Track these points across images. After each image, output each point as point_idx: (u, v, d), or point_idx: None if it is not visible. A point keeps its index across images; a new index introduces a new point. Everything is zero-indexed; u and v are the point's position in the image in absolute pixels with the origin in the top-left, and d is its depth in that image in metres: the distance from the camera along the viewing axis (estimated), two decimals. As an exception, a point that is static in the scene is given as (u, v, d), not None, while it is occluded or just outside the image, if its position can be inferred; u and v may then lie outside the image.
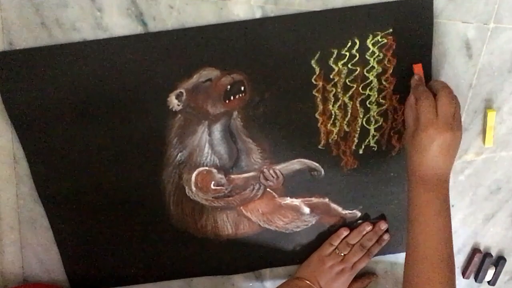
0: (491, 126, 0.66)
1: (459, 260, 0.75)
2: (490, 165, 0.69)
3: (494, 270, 0.75)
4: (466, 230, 0.73)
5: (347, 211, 0.69)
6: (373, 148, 0.65)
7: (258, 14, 0.58)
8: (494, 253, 0.75)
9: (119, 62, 0.58)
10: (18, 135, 0.61)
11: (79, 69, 0.58)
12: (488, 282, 0.76)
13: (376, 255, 0.71)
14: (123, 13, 0.56)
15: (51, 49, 0.57)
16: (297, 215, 0.69)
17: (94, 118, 0.60)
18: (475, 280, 0.76)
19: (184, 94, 0.60)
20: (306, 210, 0.68)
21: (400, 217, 0.70)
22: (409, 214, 0.56)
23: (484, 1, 0.59)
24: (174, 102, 0.60)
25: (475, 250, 0.74)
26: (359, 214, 0.70)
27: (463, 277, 0.76)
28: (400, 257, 0.74)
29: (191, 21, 0.57)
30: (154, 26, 0.57)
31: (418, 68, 0.60)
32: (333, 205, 0.69)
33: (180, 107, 0.61)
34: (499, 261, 0.75)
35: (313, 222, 0.69)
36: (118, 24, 0.57)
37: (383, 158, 0.66)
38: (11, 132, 0.61)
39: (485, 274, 0.75)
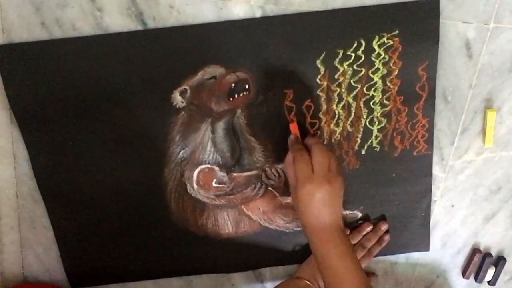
0: (491, 126, 0.66)
1: (459, 260, 0.76)
2: (490, 165, 0.69)
3: (494, 270, 0.75)
4: (466, 230, 0.73)
5: (347, 212, 0.69)
6: (376, 149, 0.65)
7: (258, 14, 0.58)
8: (494, 253, 0.75)
9: (123, 58, 0.58)
10: (20, 130, 0.60)
11: (84, 64, 0.58)
12: (488, 282, 0.76)
13: (377, 255, 0.71)
14: (123, 13, 0.56)
15: (55, 43, 0.57)
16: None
17: (97, 114, 0.60)
18: (475, 280, 0.76)
19: (188, 91, 0.60)
20: None
21: (401, 217, 0.70)
22: (318, 267, 0.57)
23: (484, 1, 0.59)
24: (178, 99, 0.60)
25: (475, 250, 0.75)
26: (359, 214, 0.70)
27: (463, 277, 0.76)
28: (400, 257, 0.74)
29: (191, 21, 0.57)
30: (154, 26, 0.57)
31: (293, 128, 0.61)
32: None
33: (184, 104, 0.61)
34: (499, 261, 0.75)
35: None
36: (118, 24, 0.57)
37: (385, 159, 0.66)
38: (11, 132, 0.61)
39: (485, 274, 0.75)
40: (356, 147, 0.65)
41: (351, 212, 0.69)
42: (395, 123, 0.64)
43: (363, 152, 0.66)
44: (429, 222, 0.71)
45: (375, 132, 0.64)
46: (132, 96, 0.60)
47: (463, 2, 0.59)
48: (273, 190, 0.67)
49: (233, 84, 0.60)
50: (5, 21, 0.56)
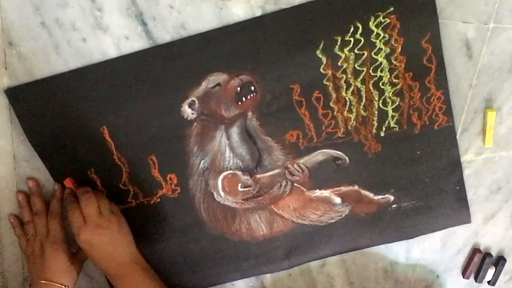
0: (491, 126, 0.66)
1: (459, 260, 0.76)
2: (490, 165, 0.69)
3: (494, 270, 0.75)
4: (466, 230, 0.73)
5: (379, 196, 0.68)
6: (395, 129, 0.64)
7: (258, 14, 0.57)
8: (494, 253, 0.75)
9: (130, 80, 0.58)
10: (44, 164, 0.62)
11: (93, 92, 0.59)
12: (488, 282, 0.76)
13: (418, 234, 0.71)
14: (123, 13, 0.56)
15: (63, 77, 0.58)
16: (329, 206, 0.68)
17: (115, 138, 0.61)
18: (475, 280, 0.76)
19: (196, 102, 0.60)
20: (337, 200, 0.68)
21: (435, 195, 0.69)
22: None
23: (484, 1, 0.59)
24: (188, 111, 0.60)
25: (475, 250, 0.74)
26: (392, 198, 0.69)
27: (463, 277, 0.76)
28: (400, 257, 0.75)
29: (191, 21, 0.57)
30: (154, 26, 0.57)
31: (67, 183, 0.62)
32: (364, 192, 0.68)
33: (195, 115, 0.61)
34: (499, 261, 0.75)
35: (347, 212, 0.69)
36: (118, 24, 0.57)
37: (407, 137, 0.65)
38: (11, 133, 0.61)
39: (485, 274, 0.75)
40: (374, 130, 0.64)
41: (382, 196, 0.68)
42: (409, 100, 0.63)
43: (382, 134, 0.64)
44: (465, 194, 0.69)
45: (390, 113, 0.63)
46: (145, 114, 0.60)
47: (463, 2, 0.59)
48: (299, 186, 0.67)
49: (239, 88, 0.60)
50: (5, 21, 0.56)
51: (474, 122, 0.66)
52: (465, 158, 0.68)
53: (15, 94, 0.58)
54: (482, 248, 0.75)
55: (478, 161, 0.69)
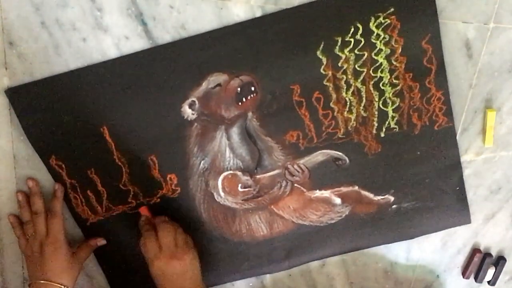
0: (491, 126, 0.66)
1: (459, 260, 0.76)
2: (490, 165, 0.69)
3: (494, 270, 0.75)
4: (466, 230, 0.73)
5: (379, 197, 0.68)
6: (395, 130, 0.64)
7: (258, 14, 0.57)
8: (494, 253, 0.75)
9: (130, 80, 0.58)
10: (45, 164, 0.62)
11: (93, 92, 0.59)
12: (488, 282, 0.76)
13: (417, 235, 0.71)
14: (123, 13, 0.56)
15: (64, 76, 0.58)
16: (329, 206, 0.68)
17: (115, 138, 0.61)
18: (475, 280, 0.76)
19: (197, 102, 0.60)
20: (337, 200, 0.68)
21: (435, 196, 0.69)
22: None
23: (484, 1, 0.59)
24: (188, 111, 0.60)
25: (475, 250, 0.74)
26: (392, 198, 0.69)
27: (463, 277, 0.76)
28: (400, 257, 0.75)
29: (191, 21, 0.57)
30: (154, 26, 0.57)
31: (143, 211, 0.64)
32: (364, 192, 0.68)
33: (195, 115, 0.61)
34: (499, 261, 0.75)
35: (347, 213, 0.69)
36: (118, 24, 0.57)
37: (407, 138, 0.65)
38: (11, 133, 0.61)
39: (485, 274, 0.75)
40: (374, 131, 0.64)
41: (382, 197, 0.68)
42: (409, 100, 0.63)
43: (382, 135, 0.65)
44: (465, 195, 0.70)
45: (390, 113, 0.63)
46: (145, 115, 0.60)
47: (463, 2, 0.59)
48: (299, 186, 0.67)
49: (239, 89, 0.60)
50: (5, 21, 0.56)
51: (474, 122, 0.66)
52: (465, 158, 0.68)
53: (15, 94, 0.58)
54: (482, 248, 0.75)
55: (478, 161, 0.69)
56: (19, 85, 0.58)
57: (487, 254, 0.74)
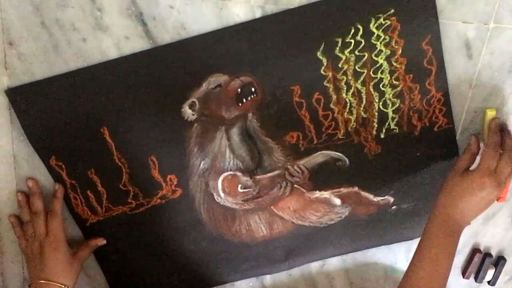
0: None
1: (459, 260, 0.76)
2: (490, 165, 0.69)
3: (494, 270, 0.75)
4: (466, 230, 0.73)
5: (379, 198, 0.69)
6: (395, 131, 0.64)
7: (258, 14, 0.57)
8: (494, 253, 0.75)
9: (130, 81, 0.58)
10: (45, 164, 0.62)
11: (93, 92, 0.59)
12: (488, 282, 0.76)
13: (410, 239, 0.72)
14: (123, 13, 0.56)
15: (64, 76, 0.58)
16: (329, 207, 0.68)
17: (115, 139, 0.61)
18: (475, 280, 0.76)
19: (197, 103, 0.60)
20: (337, 201, 0.68)
21: (434, 196, 0.67)
22: (420, 245, 0.59)
23: (484, 1, 0.59)
24: (188, 112, 0.60)
25: (475, 250, 0.75)
26: (392, 199, 0.69)
27: (463, 277, 0.76)
28: (400, 257, 0.74)
29: (191, 21, 0.57)
30: (154, 26, 0.57)
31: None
32: (364, 193, 0.68)
33: (195, 116, 0.61)
34: (499, 261, 0.75)
35: (347, 214, 0.69)
36: (118, 24, 0.57)
37: (407, 139, 0.65)
38: (11, 133, 0.61)
39: (485, 274, 0.75)
40: (374, 132, 0.64)
41: (382, 198, 0.69)
42: (409, 102, 0.63)
43: (382, 136, 0.65)
44: None
45: (390, 114, 0.63)
46: (145, 116, 0.60)
47: (463, 2, 0.59)
48: (299, 187, 0.67)
49: (239, 89, 0.60)
50: (5, 21, 0.56)
51: (474, 122, 0.66)
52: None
53: (15, 94, 0.58)
54: (482, 248, 0.75)
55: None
56: (19, 85, 0.58)
57: (487, 254, 0.74)
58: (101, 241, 0.66)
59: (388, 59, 0.60)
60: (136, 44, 0.58)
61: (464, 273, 0.76)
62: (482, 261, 0.75)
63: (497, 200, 0.68)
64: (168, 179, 0.64)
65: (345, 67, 0.60)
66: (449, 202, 0.58)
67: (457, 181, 0.59)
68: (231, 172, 0.65)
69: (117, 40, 0.57)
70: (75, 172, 0.63)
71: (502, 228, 0.74)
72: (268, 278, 0.74)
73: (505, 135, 0.61)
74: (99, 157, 0.62)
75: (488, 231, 0.74)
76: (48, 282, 0.60)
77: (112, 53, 0.58)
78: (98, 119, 0.60)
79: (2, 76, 0.58)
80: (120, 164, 0.62)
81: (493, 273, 0.75)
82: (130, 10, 0.56)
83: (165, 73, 0.58)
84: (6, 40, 0.56)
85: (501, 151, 0.59)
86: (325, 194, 0.68)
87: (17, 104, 0.59)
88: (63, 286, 0.61)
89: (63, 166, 0.62)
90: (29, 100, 0.58)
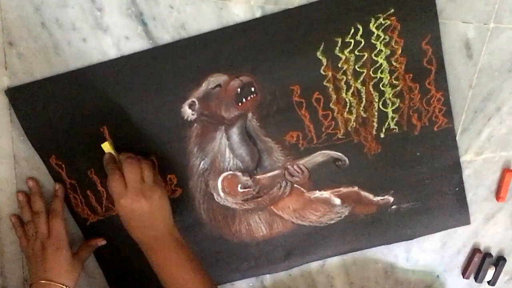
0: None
1: (459, 260, 0.76)
2: (490, 165, 0.69)
3: (494, 270, 0.75)
4: (466, 230, 0.73)
5: (379, 198, 0.69)
6: (394, 130, 0.64)
7: (258, 14, 0.57)
8: (494, 253, 0.75)
9: (130, 80, 0.59)
10: (45, 164, 0.62)
11: (93, 92, 0.59)
12: (488, 282, 0.76)
13: (416, 236, 0.71)
14: (123, 13, 0.56)
15: (64, 76, 0.58)
16: (329, 207, 0.68)
17: (115, 138, 0.61)
18: (475, 280, 0.76)
19: (197, 102, 0.60)
20: (337, 201, 0.68)
21: (435, 196, 0.69)
22: (158, 277, 0.58)
23: (484, 1, 0.59)
24: (188, 112, 0.61)
25: (475, 250, 0.74)
26: (391, 199, 0.69)
27: (463, 277, 0.76)
28: (400, 257, 0.74)
29: (191, 21, 0.57)
30: (154, 26, 0.57)
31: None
32: (364, 193, 0.68)
33: (195, 116, 0.61)
34: (499, 261, 0.75)
35: (346, 213, 0.69)
36: (118, 24, 0.57)
37: (406, 139, 0.65)
38: (11, 133, 0.61)
39: (485, 274, 0.75)
40: (374, 132, 0.64)
41: (382, 197, 0.69)
42: (409, 101, 0.63)
43: (382, 135, 0.65)
44: (465, 195, 0.70)
45: (390, 114, 0.64)
46: (144, 116, 0.60)
47: (463, 2, 0.59)
48: (299, 187, 0.67)
49: (239, 89, 0.60)
50: (5, 21, 0.56)
51: (474, 122, 0.66)
52: (465, 158, 0.68)
53: (15, 94, 0.58)
54: (482, 248, 0.75)
55: (478, 161, 0.69)
56: (19, 85, 0.58)
57: (487, 254, 0.74)
58: (101, 241, 0.66)
59: (388, 58, 0.60)
60: (136, 44, 0.58)
61: (464, 273, 0.76)
62: (482, 261, 0.75)
63: (497, 200, 0.69)
64: (168, 179, 0.64)
65: (345, 66, 0.60)
66: (130, 227, 0.57)
67: (118, 211, 0.57)
68: (231, 172, 0.65)
69: (117, 40, 0.57)
70: (75, 171, 0.63)
71: (502, 228, 0.74)
72: (268, 278, 0.74)
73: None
74: (99, 157, 0.62)
75: (488, 231, 0.74)
76: (49, 282, 0.60)
77: (112, 53, 0.58)
78: (98, 119, 0.60)
79: (2, 76, 0.58)
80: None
81: (493, 273, 0.75)
82: (130, 10, 0.56)
83: (165, 72, 0.59)
84: (6, 40, 0.56)
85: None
86: (325, 193, 0.68)
87: (17, 104, 0.59)
88: (64, 287, 0.60)
89: (63, 165, 0.62)
90: (29, 100, 0.59)
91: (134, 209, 0.55)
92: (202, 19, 0.57)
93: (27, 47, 0.57)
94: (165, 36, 0.58)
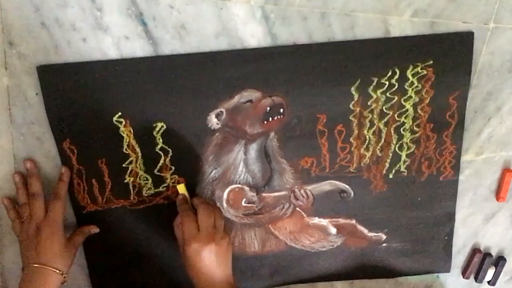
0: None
1: (459, 260, 0.76)
2: (490, 165, 0.69)
3: (494, 270, 0.75)
4: (466, 230, 0.73)
5: (372, 234, 0.70)
6: (403, 173, 0.67)
7: (258, 14, 0.58)
8: (494, 253, 0.75)
9: (162, 80, 0.59)
10: (57, 144, 0.61)
11: (122, 85, 0.59)
12: (488, 282, 0.76)
13: (397, 276, 0.74)
14: (123, 13, 0.56)
15: (98, 64, 0.58)
16: (324, 235, 0.70)
17: (133, 133, 0.61)
18: (475, 280, 0.76)
19: (224, 113, 0.61)
20: (333, 230, 0.70)
21: (424, 240, 0.72)
22: None
23: (484, 1, 0.59)
24: (213, 120, 0.61)
25: (475, 250, 0.75)
26: (384, 236, 0.71)
27: (463, 277, 0.76)
28: (400, 257, 0.74)
29: (191, 21, 0.57)
30: (154, 26, 0.57)
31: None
32: (360, 227, 0.70)
33: (219, 125, 0.62)
34: (499, 261, 0.75)
35: (339, 243, 0.71)
36: (118, 24, 0.57)
37: (412, 183, 0.67)
38: (11, 133, 0.61)
39: (485, 274, 0.75)
40: (384, 171, 0.66)
41: (375, 234, 0.70)
42: (423, 149, 0.65)
43: (390, 176, 0.67)
44: (451, 245, 0.72)
45: (403, 157, 0.66)
46: (169, 116, 0.61)
47: (463, 2, 0.59)
48: (301, 211, 0.68)
49: (269, 108, 0.61)
50: (5, 21, 0.56)
51: (474, 122, 0.66)
52: (465, 158, 0.68)
53: (45, 72, 0.58)
54: (482, 248, 0.75)
55: (478, 161, 0.69)
56: (50, 63, 0.57)
57: (487, 254, 0.74)
58: (94, 229, 0.65)
59: (414, 106, 0.62)
60: (136, 44, 0.58)
61: (464, 273, 0.76)
62: (482, 261, 0.75)
63: (497, 200, 0.69)
64: (176, 181, 0.64)
65: (374, 105, 0.62)
66: (193, 270, 0.57)
67: (185, 252, 0.57)
68: (239, 185, 0.66)
69: (117, 40, 0.57)
70: (86, 158, 0.62)
71: (502, 228, 0.74)
72: (268, 278, 0.74)
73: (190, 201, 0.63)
74: (112, 148, 0.62)
75: (488, 231, 0.74)
76: (43, 266, 0.58)
77: (112, 53, 0.58)
78: (121, 111, 0.60)
79: (2, 76, 0.58)
80: (132, 158, 0.62)
81: (493, 273, 0.75)
82: (130, 10, 0.56)
83: (200, 78, 0.59)
84: (6, 40, 0.56)
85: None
86: (323, 221, 0.69)
87: (45, 82, 0.58)
88: (58, 272, 0.59)
89: (75, 150, 0.62)
90: (57, 80, 0.58)
91: (203, 253, 0.56)
92: (202, 19, 0.57)
93: (27, 47, 0.57)
94: (165, 36, 0.58)
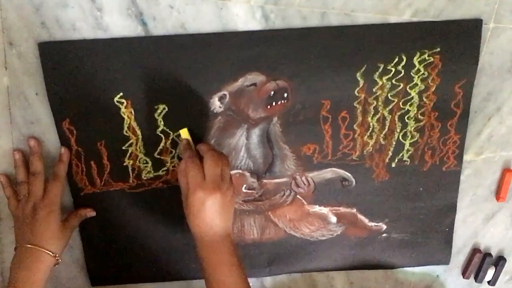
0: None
1: (459, 260, 0.76)
2: (490, 165, 0.69)
3: (494, 270, 0.75)
4: (466, 230, 0.73)
5: (373, 223, 0.70)
6: (406, 162, 0.66)
7: (258, 14, 0.58)
8: (494, 253, 0.75)
9: (164, 61, 0.58)
10: (56, 125, 0.60)
11: (123, 65, 0.58)
12: (488, 282, 0.76)
13: (396, 267, 0.73)
14: (123, 13, 0.56)
15: (100, 41, 0.57)
16: (324, 223, 0.69)
17: (134, 114, 0.60)
18: (475, 280, 0.76)
19: (228, 96, 0.60)
20: (333, 219, 0.69)
21: (425, 232, 0.71)
22: (204, 275, 0.56)
23: (484, 1, 0.59)
24: (216, 104, 0.61)
25: (475, 250, 0.74)
26: (384, 227, 0.70)
27: (463, 277, 0.76)
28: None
29: (191, 21, 0.57)
30: (154, 26, 0.57)
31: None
32: (360, 216, 0.69)
33: (222, 109, 0.61)
34: (499, 261, 0.75)
35: (339, 233, 0.70)
36: (118, 24, 0.57)
37: (414, 173, 0.67)
38: (11, 133, 0.61)
39: (485, 274, 0.75)
40: (387, 160, 0.66)
41: (376, 224, 0.70)
42: (427, 138, 0.65)
43: (393, 165, 0.66)
44: (452, 237, 0.72)
45: (407, 146, 0.65)
46: (172, 98, 0.60)
47: (463, 2, 0.59)
48: (301, 198, 0.68)
49: (272, 92, 0.60)
50: (5, 21, 0.56)
51: (474, 122, 0.66)
52: (465, 158, 0.68)
53: (47, 49, 0.57)
54: (482, 248, 0.75)
55: (478, 161, 0.69)
56: (53, 40, 0.57)
57: (487, 254, 0.74)
58: (91, 212, 0.65)
59: (420, 93, 0.62)
60: (136, 44, 0.58)
61: (464, 273, 0.76)
62: (482, 261, 0.75)
63: (497, 200, 0.69)
64: (176, 164, 0.64)
65: (379, 92, 0.61)
66: (195, 220, 0.55)
67: (189, 200, 0.55)
68: (240, 171, 0.65)
69: (117, 40, 0.57)
70: (85, 139, 0.61)
71: (502, 228, 0.74)
72: (268, 279, 0.74)
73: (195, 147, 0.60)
74: (112, 129, 0.61)
75: (488, 231, 0.74)
76: (36, 247, 0.57)
77: (112, 53, 0.58)
78: (122, 92, 0.59)
79: (2, 76, 0.58)
80: (132, 141, 0.62)
81: (493, 273, 0.75)
82: (130, 10, 0.56)
83: (204, 60, 0.58)
84: (6, 40, 0.56)
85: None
86: (324, 210, 0.68)
87: (46, 60, 0.57)
88: (51, 254, 0.58)
89: (74, 131, 0.61)
90: (59, 58, 0.57)
91: (207, 202, 0.54)
92: (202, 19, 0.57)
93: (27, 47, 0.57)
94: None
